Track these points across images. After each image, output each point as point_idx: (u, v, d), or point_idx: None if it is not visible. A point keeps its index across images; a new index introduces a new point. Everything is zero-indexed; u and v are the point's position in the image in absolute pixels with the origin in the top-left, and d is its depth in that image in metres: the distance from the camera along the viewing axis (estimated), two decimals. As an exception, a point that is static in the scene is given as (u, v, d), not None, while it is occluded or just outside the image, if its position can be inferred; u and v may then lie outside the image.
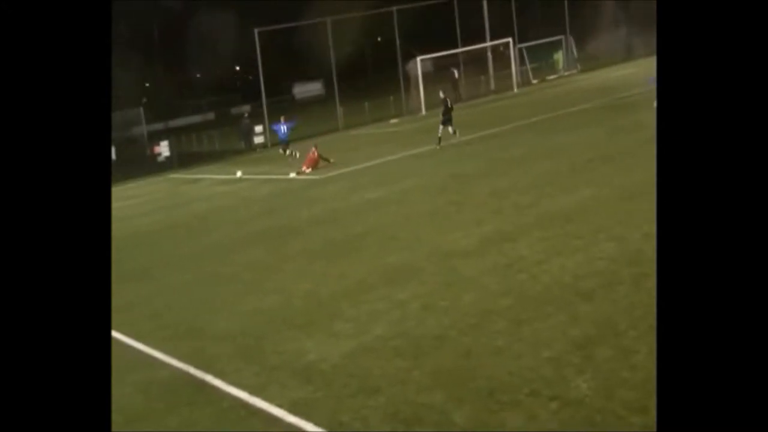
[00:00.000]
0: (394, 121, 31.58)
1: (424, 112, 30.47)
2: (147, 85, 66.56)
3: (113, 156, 30.60)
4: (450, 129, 19.40)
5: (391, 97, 34.41)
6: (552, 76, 37.95)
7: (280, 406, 5.61)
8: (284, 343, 7.04)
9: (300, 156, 21.59)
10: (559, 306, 6.64)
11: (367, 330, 6.94)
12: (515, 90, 34.88)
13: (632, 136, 14.76)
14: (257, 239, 12.24)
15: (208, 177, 23.13)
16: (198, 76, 73.42)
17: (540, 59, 39.09)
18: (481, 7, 35.88)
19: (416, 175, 15.88)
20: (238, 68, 77.85)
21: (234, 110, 55.77)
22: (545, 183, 12.28)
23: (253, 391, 5.96)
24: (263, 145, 29.85)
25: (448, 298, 7.41)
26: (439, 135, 19.21)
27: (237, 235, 13.04)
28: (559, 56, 39.46)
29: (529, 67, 38.02)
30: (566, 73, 38.29)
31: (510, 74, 35.76)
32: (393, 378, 5.74)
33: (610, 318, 6.14)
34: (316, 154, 19.83)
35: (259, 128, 30.43)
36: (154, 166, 28.99)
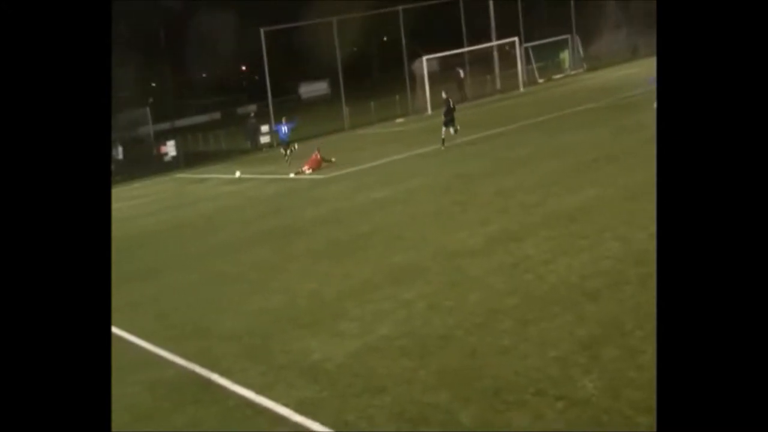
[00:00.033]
0: (399, 120, 31.57)
1: (429, 111, 30.43)
2: (153, 85, 66.69)
3: (120, 155, 30.79)
4: (451, 129, 19.33)
5: (397, 97, 34.40)
6: (558, 76, 37.87)
7: (286, 405, 5.62)
8: (290, 342, 7.05)
9: (297, 148, 21.63)
10: (565, 306, 6.62)
11: (372, 329, 6.94)
12: (521, 89, 34.82)
13: (637, 135, 14.72)
14: (263, 239, 12.26)
15: (215, 177, 23.17)
16: (204, 75, 73.55)
17: (546, 58, 39.00)
18: (487, 6, 35.83)
19: (422, 174, 15.87)
20: (244, 68, 77.96)
21: (240, 110, 55.86)
22: (551, 182, 12.26)
23: (259, 390, 5.97)
24: (269, 145, 29.89)
25: (453, 298, 7.41)
26: (443, 137, 19.18)
27: (243, 234, 13.07)
28: (565, 55, 39.39)
29: (535, 66, 37.94)
30: (572, 73, 38.21)
31: (516, 73, 35.69)
32: (398, 377, 5.75)
33: (617, 318, 6.13)
34: (318, 156, 19.91)
35: (265, 128, 30.49)
36: (161, 166, 29.07)
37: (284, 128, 22.85)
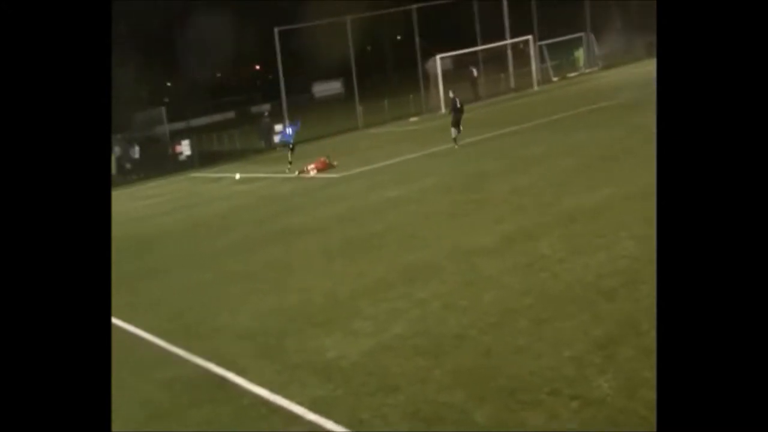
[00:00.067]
0: (413, 119, 31.55)
1: (443, 110, 30.34)
2: (168, 84, 67.12)
3: (136, 155, 31.01)
4: (454, 130, 19.22)
5: (411, 96, 34.37)
6: (572, 74, 37.67)
7: (300, 403, 5.63)
8: (304, 341, 7.06)
9: (297, 150, 21.74)
10: (580, 305, 6.59)
11: (386, 328, 6.94)
12: (535, 87, 34.67)
13: (652, 133, 14.57)
14: (277, 238, 12.29)
15: (229, 176, 23.27)
16: (219, 75, 73.91)
17: (560, 57, 38.81)
18: (501, 4, 35.70)
19: (436, 173, 15.85)
20: (258, 67, 78.27)
21: (254, 109, 56.07)
22: (566, 181, 12.20)
23: (273, 389, 5.99)
24: (283, 144, 29.99)
25: (468, 297, 7.39)
26: (453, 136, 19.13)
27: (257, 233, 13.11)
28: (579, 53, 39.15)
29: (549, 64, 37.76)
30: (587, 71, 37.99)
31: (530, 72, 35.55)
32: (413, 376, 5.74)
33: (632, 317, 6.08)
34: (326, 160, 20.05)
35: (279, 127, 30.57)
36: (176, 165, 29.26)
37: (288, 130, 22.97)
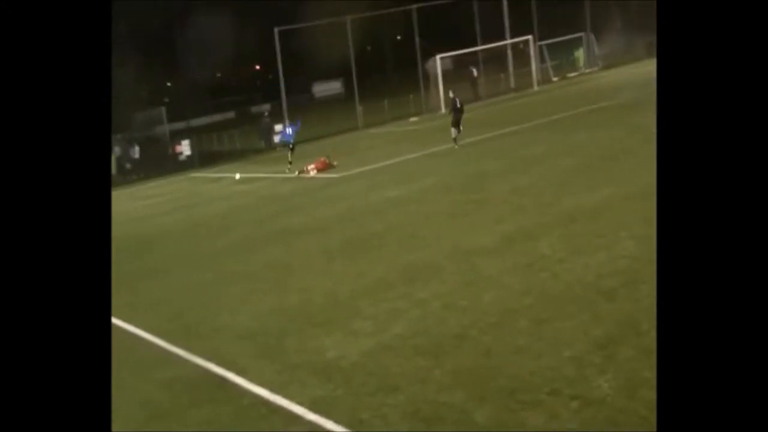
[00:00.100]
0: (413, 119, 31.55)
1: (443, 110, 30.33)
2: (168, 84, 67.12)
3: (137, 155, 31.01)
4: (454, 130, 19.23)
5: (411, 96, 34.38)
6: (572, 74, 37.67)
7: (300, 403, 5.63)
8: (304, 341, 7.06)
9: (296, 151, 21.79)
10: (580, 305, 6.59)
11: (386, 328, 6.94)
12: (535, 87, 34.67)
13: (652, 133, 14.58)
14: (277, 238, 12.29)
15: (229, 176, 23.27)
16: (219, 75, 73.91)
17: (560, 57, 38.81)
18: (501, 4, 35.71)
19: (436, 173, 15.85)
20: (258, 67, 78.27)
21: (254, 109, 56.08)
22: (566, 181, 12.20)
23: (273, 389, 5.99)
24: (283, 144, 30.00)
25: (468, 297, 7.39)
26: (453, 136, 19.15)
27: (257, 233, 13.11)
28: (579, 53, 39.15)
29: (549, 64, 37.76)
30: (587, 71, 37.99)
31: (530, 72, 35.54)
32: (413, 376, 5.74)
33: (633, 317, 6.08)
34: (326, 160, 20.07)
35: (278, 127, 30.57)
36: (176, 165, 29.26)
37: (288, 130, 23.01)
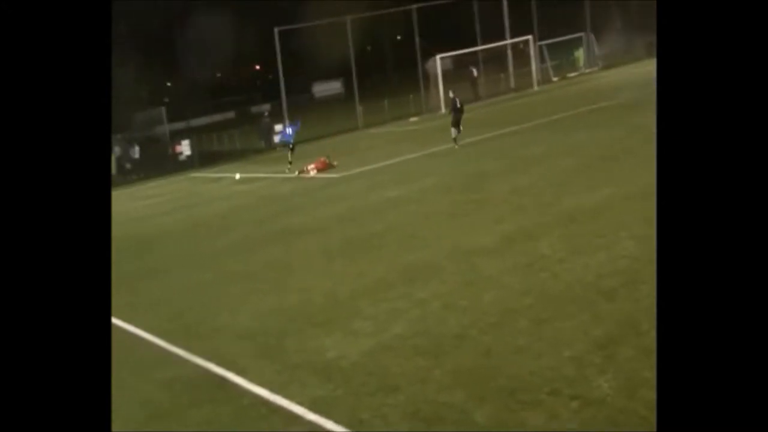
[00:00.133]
0: (413, 119, 31.55)
1: (443, 110, 30.33)
2: (168, 84, 67.13)
3: (137, 155, 31.01)
4: (454, 130, 19.23)
5: (411, 96, 34.38)
6: (572, 74, 37.67)
7: (300, 403, 5.63)
8: (304, 341, 7.06)
9: (296, 151, 21.86)
10: (580, 305, 6.59)
11: (386, 328, 6.94)
12: (535, 87, 34.67)
13: (652, 133, 14.58)
14: (277, 238, 12.30)
15: (229, 176, 23.27)
16: (219, 75, 73.91)
17: (560, 57, 38.81)
18: (501, 4, 35.71)
19: (436, 173, 15.85)
20: (258, 67, 78.28)
21: (254, 109, 56.08)
22: (566, 181, 12.20)
23: (273, 389, 5.99)
24: (283, 144, 30.02)
25: (468, 297, 7.39)
26: (453, 136, 19.15)
27: (257, 233, 13.11)
28: (579, 53, 39.16)
29: (549, 64, 37.76)
30: (587, 71, 37.99)
31: (530, 72, 35.54)
32: (413, 376, 5.74)
33: (633, 317, 6.08)
34: (326, 160, 20.10)
35: (279, 127, 30.58)
36: (176, 165, 29.26)
37: (288, 130, 23.05)
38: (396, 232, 11.01)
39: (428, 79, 33.58)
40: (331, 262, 9.98)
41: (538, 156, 15.33)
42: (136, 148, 31.28)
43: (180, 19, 58.41)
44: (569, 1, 39.32)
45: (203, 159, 30.10)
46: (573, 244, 8.49)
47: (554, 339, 5.95)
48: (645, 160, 12.52)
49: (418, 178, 15.54)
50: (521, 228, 9.71)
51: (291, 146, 21.78)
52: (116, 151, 32.29)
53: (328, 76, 65.90)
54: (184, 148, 30.65)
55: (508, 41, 36.12)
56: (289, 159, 21.20)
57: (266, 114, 33.35)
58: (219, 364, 6.80)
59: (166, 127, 31.97)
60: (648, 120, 16.80)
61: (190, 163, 29.53)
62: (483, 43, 35.93)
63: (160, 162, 29.41)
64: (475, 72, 36.11)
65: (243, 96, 67.59)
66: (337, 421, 5.23)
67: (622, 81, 29.25)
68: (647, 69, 31.67)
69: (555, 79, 36.87)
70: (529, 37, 35.40)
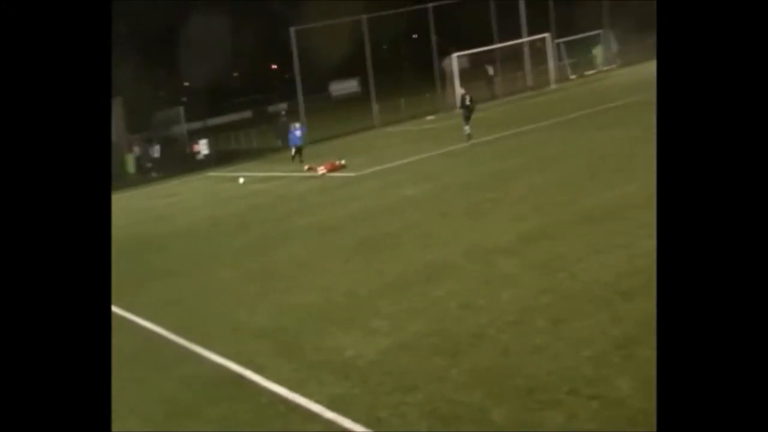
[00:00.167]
0: (430, 117, 31.50)
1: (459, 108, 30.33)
2: (186, 84, 67.61)
3: (157, 154, 31.29)
4: (466, 126, 19.21)
5: (427, 94, 34.35)
6: (590, 72, 37.39)
7: (318, 401, 5.65)
8: (322, 339, 7.09)
9: (302, 151, 22.37)
10: (599, 305, 6.55)
11: (404, 327, 6.95)
12: (552, 86, 34.47)
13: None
14: (294, 236, 12.34)
15: (246, 175, 23.39)
16: (236, 75, 74.32)
17: (578, 54, 38.51)
18: (518, 2, 35.54)
19: (453, 171, 15.82)
20: (275, 67, 78.58)
21: (271, 108, 56.32)
22: (584, 179, 12.13)
23: (291, 387, 6.02)
24: (293, 147, 30.14)
25: (486, 296, 7.37)
26: (466, 133, 19.15)
27: (275, 232, 13.17)
28: (597, 51, 38.85)
29: (566, 62, 37.52)
30: (605, 69, 37.69)
31: (547, 70, 35.34)
32: (430, 375, 5.74)
33: (651, 317, 6.00)
34: (336, 163, 20.23)
35: (296, 125, 30.71)
36: (194, 164, 29.49)
37: (297, 132, 23.36)
38: (413, 230, 11.01)
39: (444, 77, 33.52)
40: (348, 260, 10.01)
41: (556, 155, 15.25)
42: (156, 148, 31.56)
43: (198, 20, 58.78)
44: (587, -2, 39.08)
45: (221, 158, 30.28)
46: (591, 243, 8.44)
47: (572, 338, 5.92)
48: (664, 158, 12.42)
49: (434, 176, 15.52)
50: (539, 227, 9.67)
51: (300, 149, 22.38)
52: (136, 150, 32.61)
53: (344, 75, 66.00)
54: (202, 147, 30.89)
55: (525, 39, 35.94)
56: (301, 158, 21.77)
57: (283, 113, 33.50)
58: (237, 362, 6.84)
59: (183, 127, 32.25)
60: (667, 118, 16.69)
61: (208, 163, 29.72)
62: (500, 41, 35.78)
63: (178, 161, 29.66)
64: (490, 70, 35.97)
65: (260, 95, 67.90)
66: (355, 420, 5.24)
67: (640, 79, 28.99)
68: (666, 66, 31.35)
69: (572, 77, 36.63)
70: (546, 34, 35.20)
